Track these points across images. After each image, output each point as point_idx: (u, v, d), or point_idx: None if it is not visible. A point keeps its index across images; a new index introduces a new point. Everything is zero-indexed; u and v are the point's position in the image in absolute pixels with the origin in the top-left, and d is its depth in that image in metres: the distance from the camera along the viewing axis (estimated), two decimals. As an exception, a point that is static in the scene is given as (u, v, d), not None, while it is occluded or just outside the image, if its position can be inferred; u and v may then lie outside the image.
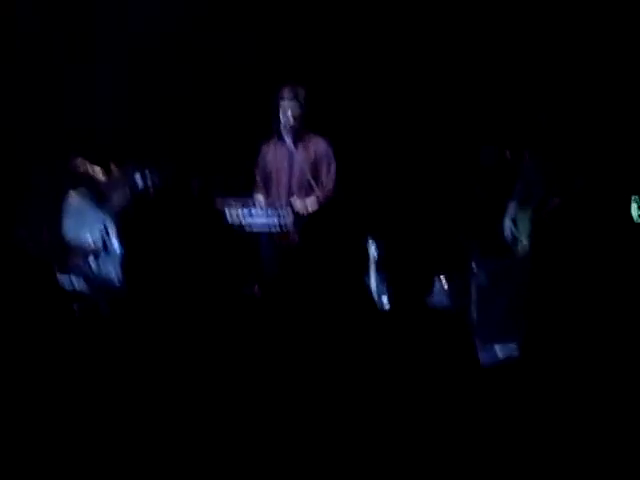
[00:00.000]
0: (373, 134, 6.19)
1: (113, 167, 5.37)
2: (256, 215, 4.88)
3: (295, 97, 5.06)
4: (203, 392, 1.55)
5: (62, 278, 4.81)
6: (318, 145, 5.19)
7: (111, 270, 4.93)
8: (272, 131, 5.16)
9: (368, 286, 2.29)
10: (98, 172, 5.36)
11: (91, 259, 5.03)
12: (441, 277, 5.84)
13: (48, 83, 6.02)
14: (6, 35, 5.96)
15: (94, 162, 5.42)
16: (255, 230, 4.92)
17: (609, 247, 1.47)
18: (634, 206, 5.17)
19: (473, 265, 5.96)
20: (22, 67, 6.00)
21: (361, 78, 6.16)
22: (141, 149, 5.72)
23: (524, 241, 5.45)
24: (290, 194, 5.09)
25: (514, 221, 5.50)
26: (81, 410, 1.54)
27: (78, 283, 4.88)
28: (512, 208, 5.54)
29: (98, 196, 5.45)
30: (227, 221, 4.70)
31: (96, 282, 4.93)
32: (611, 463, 1.39)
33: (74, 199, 5.48)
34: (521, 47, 6.02)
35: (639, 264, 1.46)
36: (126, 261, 1.70)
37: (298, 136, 5.15)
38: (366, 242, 2.34)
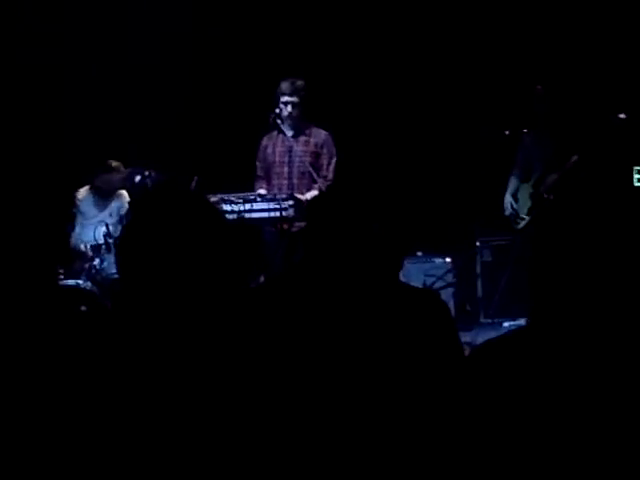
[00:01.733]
0: (373, 121, 6.19)
1: (116, 164, 5.39)
2: (258, 208, 4.88)
3: (294, 90, 5.06)
4: (207, 388, 1.53)
5: (70, 282, 4.83)
6: (318, 137, 5.19)
7: (115, 269, 4.94)
8: (270, 125, 5.15)
9: (373, 270, 2.28)
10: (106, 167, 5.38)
11: (96, 261, 5.05)
12: (446, 255, 5.85)
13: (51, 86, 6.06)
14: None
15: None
16: (258, 223, 4.93)
17: (610, 219, 1.45)
18: (636, 177, 5.14)
19: (477, 242, 5.94)
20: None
21: (359, 67, 6.16)
22: (142, 149, 5.74)
23: (524, 216, 5.42)
24: (291, 186, 5.10)
25: (515, 197, 5.47)
26: (86, 408, 1.53)
27: (86, 285, 4.90)
28: (512, 184, 5.52)
29: (102, 194, 5.47)
30: (228, 216, 4.74)
31: (102, 282, 4.95)
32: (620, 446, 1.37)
33: (78, 196, 5.50)
34: (518, 26, 6.00)
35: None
36: (125, 261, 1.62)
37: (298, 128, 5.15)
38: (369, 226, 2.33)
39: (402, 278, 2.62)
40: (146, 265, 1.58)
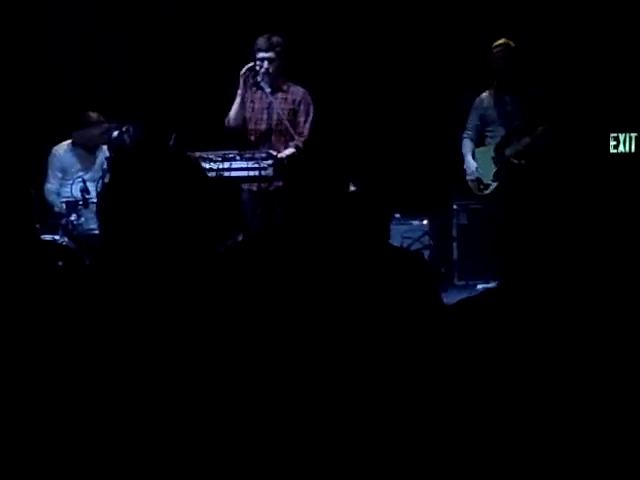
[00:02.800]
0: (352, 81, 6.15)
1: (94, 116, 5.33)
2: (237, 167, 4.87)
3: (270, 46, 5.01)
4: (185, 347, 1.53)
5: (46, 237, 4.81)
6: (296, 93, 5.15)
7: (92, 225, 4.93)
8: (241, 79, 5.09)
9: (350, 229, 2.29)
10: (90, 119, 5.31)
11: (73, 216, 5.02)
12: (423, 218, 5.88)
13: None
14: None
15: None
16: (236, 181, 4.92)
17: (583, 186, 1.47)
18: (612, 144, 5.14)
19: (454, 205, 5.96)
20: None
21: (340, 25, 6.10)
22: (122, 104, 5.68)
23: (490, 182, 5.34)
24: (269, 143, 5.07)
25: (474, 158, 5.35)
26: (66, 364, 1.53)
27: (62, 240, 4.88)
28: (467, 147, 5.32)
29: (86, 150, 5.42)
30: (206, 172, 4.70)
31: (79, 238, 4.93)
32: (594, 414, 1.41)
33: (59, 152, 5.44)
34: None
35: (615, 196, 1.46)
36: (103, 216, 1.64)
37: (276, 85, 5.10)
38: (347, 186, 2.34)
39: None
40: (127, 222, 1.59)
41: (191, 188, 1.63)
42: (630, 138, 5.15)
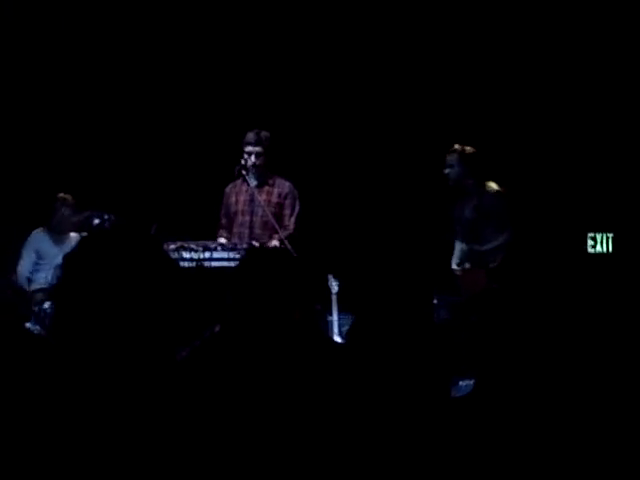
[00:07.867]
0: (338, 176, 6.22)
1: (63, 197, 5.34)
2: (218, 257, 4.85)
3: (259, 140, 5.09)
4: (158, 437, 1.48)
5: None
6: (282, 187, 5.21)
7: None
8: (235, 175, 5.17)
9: (329, 322, 2.27)
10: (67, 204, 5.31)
11: (46, 305, 4.94)
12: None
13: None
14: None
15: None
16: (217, 271, 4.89)
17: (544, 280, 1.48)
18: (589, 244, 5.14)
19: (435, 300, 5.91)
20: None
21: (327, 122, 6.21)
22: (105, 193, 5.69)
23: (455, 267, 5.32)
24: (252, 235, 5.08)
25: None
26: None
27: (34, 328, 4.78)
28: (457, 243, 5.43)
29: (59, 232, 5.38)
30: (187, 263, 4.70)
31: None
32: None
33: (36, 237, 5.40)
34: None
35: (588, 291, 1.47)
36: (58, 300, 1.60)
37: (262, 178, 5.17)
38: (328, 280, 2.33)
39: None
40: (83, 309, 1.54)
41: (171, 277, 1.59)
42: (607, 238, 5.16)
